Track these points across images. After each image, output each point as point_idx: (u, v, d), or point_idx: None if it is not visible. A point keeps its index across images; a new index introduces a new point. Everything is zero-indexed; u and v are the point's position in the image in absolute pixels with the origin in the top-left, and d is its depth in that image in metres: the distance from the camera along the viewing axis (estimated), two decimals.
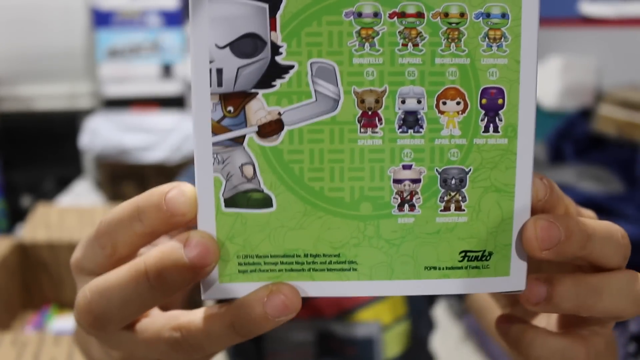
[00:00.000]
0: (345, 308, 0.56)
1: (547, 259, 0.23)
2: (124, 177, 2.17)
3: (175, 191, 0.22)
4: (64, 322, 0.97)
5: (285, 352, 0.56)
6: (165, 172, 2.10)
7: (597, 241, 0.23)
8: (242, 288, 0.23)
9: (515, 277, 0.24)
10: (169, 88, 2.25)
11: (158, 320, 0.24)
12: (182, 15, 2.25)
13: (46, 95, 2.26)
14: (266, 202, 0.23)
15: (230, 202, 0.23)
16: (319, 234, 0.23)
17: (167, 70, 2.25)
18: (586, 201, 1.44)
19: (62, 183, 2.26)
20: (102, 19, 2.19)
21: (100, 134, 2.08)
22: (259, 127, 0.23)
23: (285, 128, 0.23)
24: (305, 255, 0.23)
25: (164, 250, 0.22)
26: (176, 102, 2.26)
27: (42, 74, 2.24)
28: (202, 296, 0.23)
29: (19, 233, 1.11)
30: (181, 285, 0.22)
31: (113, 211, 0.24)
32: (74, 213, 1.10)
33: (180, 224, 0.23)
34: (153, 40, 2.24)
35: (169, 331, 0.23)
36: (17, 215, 2.14)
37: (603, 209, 1.47)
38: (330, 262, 0.24)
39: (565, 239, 0.22)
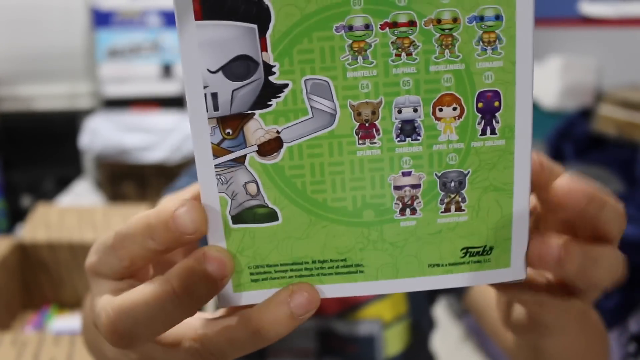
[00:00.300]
0: (347, 306, 0.56)
1: (570, 214, 0.23)
2: (124, 177, 2.17)
3: (183, 210, 0.23)
4: (63, 322, 0.97)
5: (286, 350, 0.56)
6: (165, 172, 2.10)
7: (609, 209, 0.24)
8: (255, 295, 0.24)
9: (516, 268, 0.25)
10: (169, 88, 2.25)
11: (178, 328, 0.24)
12: None
13: (46, 95, 2.26)
14: (272, 216, 0.24)
15: (237, 218, 0.24)
16: (325, 242, 0.24)
17: (167, 70, 2.24)
18: None
19: (62, 183, 2.26)
20: (102, 19, 2.19)
21: (100, 134, 2.08)
22: (258, 146, 0.23)
23: (285, 145, 0.23)
24: (313, 262, 0.24)
25: (187, 266, 0.22)
26: (176, 102, 2.25)
27: (42, 74, 2.24)
28: (219, 305, 0.24)
29: (19, 233, 1.11)
30: (206, 298, 0.23)
31: (128, 224, 0.24)
32: (74, 213, 1.10)
33: (191, 241, 0.23)
34: (153, 40, 2.24)
35: (189, 341, 0.24)
36: (17, 215, 2.14)
37: None
38: (337, 267, 0.24)
39: (589, 200, 0.23)
